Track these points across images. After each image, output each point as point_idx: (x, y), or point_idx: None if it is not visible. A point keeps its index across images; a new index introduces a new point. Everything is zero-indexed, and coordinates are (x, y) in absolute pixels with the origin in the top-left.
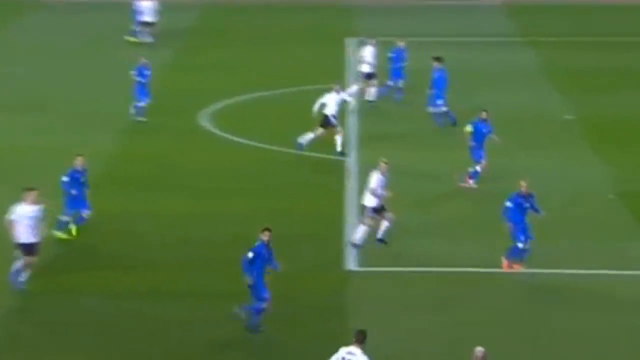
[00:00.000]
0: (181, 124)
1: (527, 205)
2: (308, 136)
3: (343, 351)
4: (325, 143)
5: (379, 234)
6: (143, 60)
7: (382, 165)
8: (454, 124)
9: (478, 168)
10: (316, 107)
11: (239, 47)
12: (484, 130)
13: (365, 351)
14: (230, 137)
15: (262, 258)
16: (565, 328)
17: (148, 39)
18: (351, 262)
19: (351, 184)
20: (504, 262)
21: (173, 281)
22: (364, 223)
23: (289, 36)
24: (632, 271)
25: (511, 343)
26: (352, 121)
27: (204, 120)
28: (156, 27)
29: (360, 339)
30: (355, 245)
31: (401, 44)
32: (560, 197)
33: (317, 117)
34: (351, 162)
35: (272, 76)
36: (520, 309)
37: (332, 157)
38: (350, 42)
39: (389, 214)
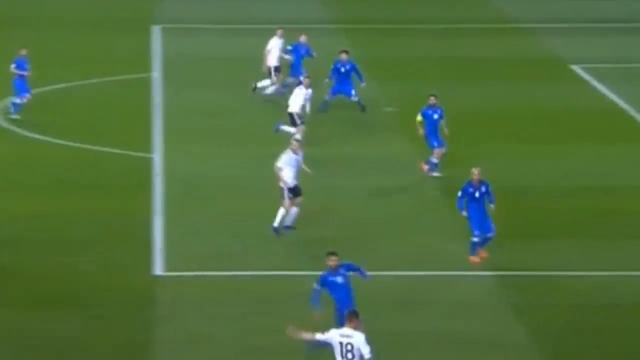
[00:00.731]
0: None
1: (479, 194)
2: (288, 129)
3: (336, 333)
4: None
5: (287, 221)
6: (23, 52)
7: (294, 142)
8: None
9: (434, 157)
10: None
11: (32, 37)
12: (435, 116)
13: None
14: (25, 132)
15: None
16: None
17: None
18: (158, 267)
19: (157, 182)
20: (472, 258)
21: None
22: (283, 205)
23: (88, 24)
24: (455, 272)
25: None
26: (157, 119)
27: None
28: None
29: (351, 319)
30: (275, 230)
31: (302, 38)
32: (383, 193)
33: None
34: (158, 159)
35: (72, 68)
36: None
37: (139, 154)
38: (155, 30)
39: (299, 199)
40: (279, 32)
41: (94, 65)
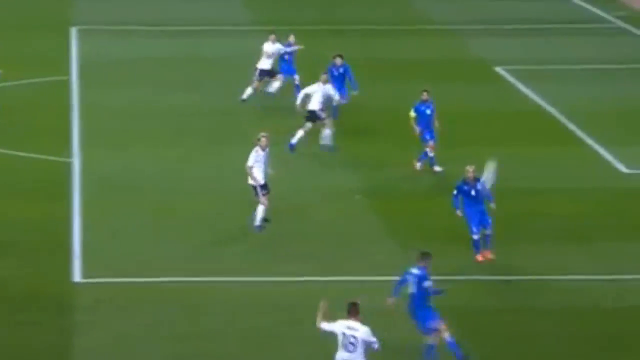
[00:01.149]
0: None
1: (475, 192)
2: (298, 135)
3: (342, 325)
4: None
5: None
6: None
7: (263, 139)
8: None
9: (429, 151)
10: (300, 99)
11: None
12: (428, 111)
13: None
14: None
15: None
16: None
17: None
18: (77, 273)
19: (76, 186)
20: (476, 256)
21: None
22: (262, 203)
23: (4, 26)
24: (379, 277)
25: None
26: (76, 122)
27: None
28: None
29: (355, 312)
30: (258, 227)
31: (291, 39)
32: (304, 198)
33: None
34: (77, 163)
35: None
36: (252, 320)
37: (58, 158)
38: (73, 32)
39: (266, 198)
40: (272, 37)
41: (10, 68)
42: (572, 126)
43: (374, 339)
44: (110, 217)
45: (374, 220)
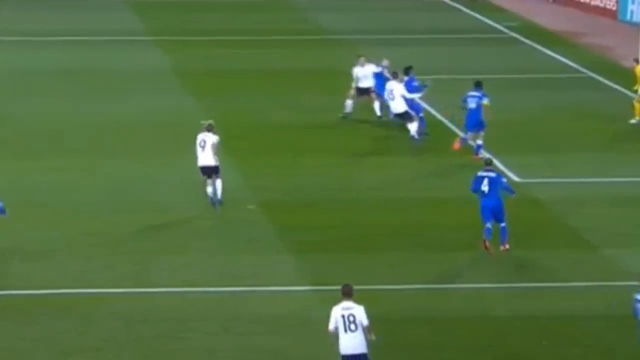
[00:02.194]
0: None
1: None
2: (414, 128)
3: (338, 308)
4: None
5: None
6: None
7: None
8: None
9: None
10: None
11: None
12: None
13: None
14: None
15: None
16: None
17: None
18: None
19: None
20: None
21: None
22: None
23: None
24: (271, 287)
25: None
26: None
27: None
28: None
29: (349, 292)
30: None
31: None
32: (193, 207)
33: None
34: None
35: None
36: (141, 331)
37: None
38: None
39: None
40: (362, 59)
41: None
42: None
43: (365, 319)
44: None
45: (263, 228)
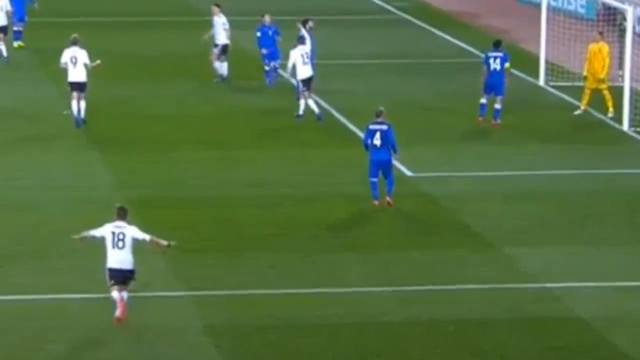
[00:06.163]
0: None
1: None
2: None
3: (110, 226)
4: None
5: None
6: None
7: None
8: None
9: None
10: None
11: None
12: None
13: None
14: None
15: None
16: None
17: None
18: None
19: None
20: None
21: None
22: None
23: None
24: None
25: None
26: None
27: None
28: None
29: (123, 215)
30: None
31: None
32: (61, 206)
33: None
34: None
35: None
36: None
37: None
38: None
39: None
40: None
41: None
42: (353, 127)
43: (143, 235)
44: None
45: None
